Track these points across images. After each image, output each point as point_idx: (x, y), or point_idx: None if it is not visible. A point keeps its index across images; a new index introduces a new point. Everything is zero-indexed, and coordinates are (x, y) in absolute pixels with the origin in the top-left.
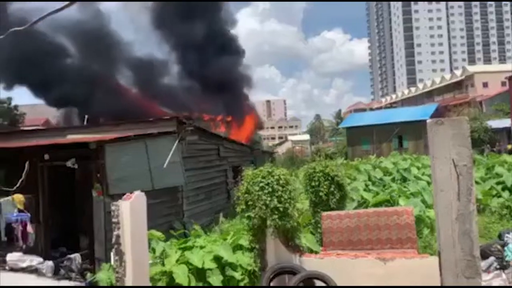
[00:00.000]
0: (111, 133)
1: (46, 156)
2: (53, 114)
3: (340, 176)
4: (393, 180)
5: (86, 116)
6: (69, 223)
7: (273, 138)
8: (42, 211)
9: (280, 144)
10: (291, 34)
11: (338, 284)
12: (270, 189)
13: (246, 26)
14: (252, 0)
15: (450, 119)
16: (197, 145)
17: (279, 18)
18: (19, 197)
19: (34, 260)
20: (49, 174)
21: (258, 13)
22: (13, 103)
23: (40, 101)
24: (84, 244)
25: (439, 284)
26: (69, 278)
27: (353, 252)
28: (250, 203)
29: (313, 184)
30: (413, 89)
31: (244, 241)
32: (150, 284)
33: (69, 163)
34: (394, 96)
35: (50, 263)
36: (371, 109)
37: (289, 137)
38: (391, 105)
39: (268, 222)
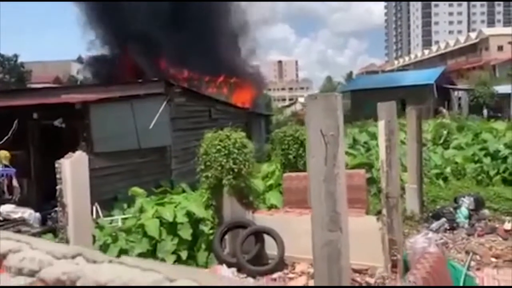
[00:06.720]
0: (102, 94)
1: (35, 115)
2: (63, 72)
3: None
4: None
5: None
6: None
7: (283, 100)
8: (34, 167)
9: (289, 106)
10: None
11: (284, 239)
12: (226, 152)
13: None
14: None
15: (323, 95)
16: (186, 107)
17: None
18: (4, 153)
19: (26, 212)
20: (39, 132)
21: None
22: (19, 60)
23: (50, 58)
24: None
25: (377, 239)
26: (54, 229)
27: (304, 210)
28: (208, 164)
29: (283, 147)
30: (426, 51)
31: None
32: (90, 233)
33: (56, 122)
34: (407, 58)
35: (37, 214)
36: (383, 71)
37: (300, 99)
38: (404, 68)
39: (224, 182)
